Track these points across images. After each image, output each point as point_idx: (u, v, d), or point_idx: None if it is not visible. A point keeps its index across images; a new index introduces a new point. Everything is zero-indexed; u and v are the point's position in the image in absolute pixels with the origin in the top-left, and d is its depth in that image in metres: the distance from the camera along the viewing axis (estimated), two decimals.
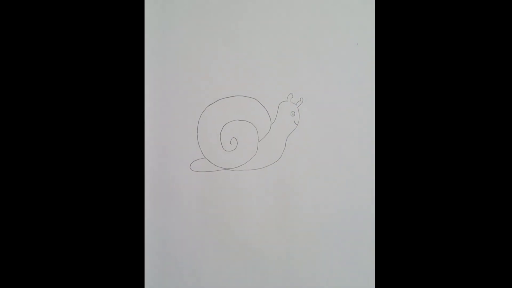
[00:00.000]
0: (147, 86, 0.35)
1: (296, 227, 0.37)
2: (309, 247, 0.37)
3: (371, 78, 0.39)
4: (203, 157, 0.36)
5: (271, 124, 0.37)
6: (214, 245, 0.37)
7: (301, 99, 0.38)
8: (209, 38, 0.36)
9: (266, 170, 0.37)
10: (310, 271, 0.37)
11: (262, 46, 0.37)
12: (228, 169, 0.37)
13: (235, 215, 0.37)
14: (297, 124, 0.37)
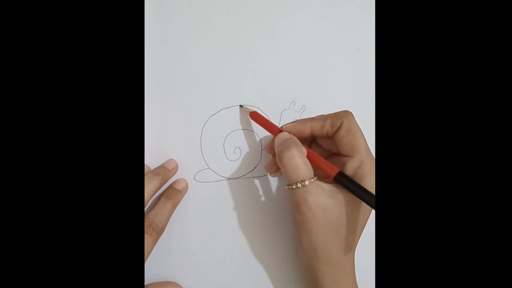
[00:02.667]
0: (148, 98, 0.35)
1: None
2: None
3: (372, 84, 0.39)
4: (207, 167, 0.36)
5: None
6: (220, 255, 0.37)
7: (304, 107, 0.38)
8: (210, 48, 0.36)
9: (271, 177, 0.37)
10: None
11: (263, 54, 0.37)
12: (232, 178, 0.37)
13: (241, 224, 0.37)
14: None
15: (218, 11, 0.37)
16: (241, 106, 0.36)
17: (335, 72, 0.38)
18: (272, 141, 0.34)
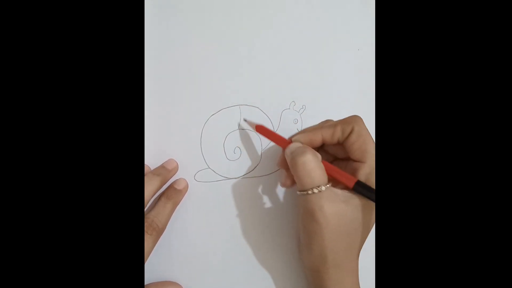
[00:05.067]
0: (148, 98, 0.35)
1: None
2: None
3: (372, 84, 0.39)
4: (207, 167, 0.36)
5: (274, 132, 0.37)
6: (220, 256, 0.37)
7: (304, 107, 0.38)
8: (210, 48, 0.36)
9: (271, 177, 0.37)
10: None
11: (263, 54, 0.37)
12: (232, 178, 0.37)
13: (241, 224, 0.37)
14: None
15: (218, 11, 0.37)
16: (245, 120, 0.36)
17: (335, 72, 0.38)
18: (284, 155, 0.33)
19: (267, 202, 0.37)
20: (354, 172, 0.31)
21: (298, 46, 0.38)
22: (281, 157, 0.34)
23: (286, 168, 0.33)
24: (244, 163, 0.37)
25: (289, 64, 0.38)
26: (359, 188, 0.30)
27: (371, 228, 0.32)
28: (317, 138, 0.32)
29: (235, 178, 0.37)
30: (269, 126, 0.37)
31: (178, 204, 0.35)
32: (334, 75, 0.38)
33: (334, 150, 0.34)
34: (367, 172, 0.31)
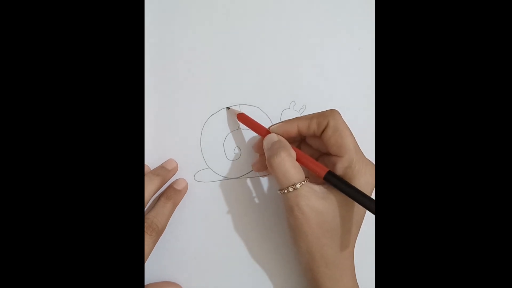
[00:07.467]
0: (148, 97, 0.35)
1: None
2: None
3: (373, 83, 0.39)
4: (207, 167, 0.36)
5: None
6: (220, 256, 0.37)
7: (304, 106, 0.38)
8: (210, 48, 0.36)
9: (271, 177, 0.37)
10: None
11: (263, 54, 0.37)
12: (232, 178, 0.37)
13: (241, 224, 0.37)
14: None
15: (218, 11, 0.37)
16: (228, 108, 0.36)
17: (335, 72, 0.38)
18: (260, 141, 0.34)
19: (267, 202, 0.37)
20: (332, 167, 0.31)
21: (298, 46, 0.38)
22: (257, 143, 0.35)
23: (260, 153, 0.34)
24: (244, 163, 0.37)
25: (289, 64, 0.38)
26: (331, 179, 0.30)
27: (359, 224, 0.32)
28: (293, 129, 0.33)
29: (235, 178, 0.37)
30: (269, 126, 0.37)
31: (177, 204, 0.35)
32: (334, 75, 0.38)
33: (318, 145, 0.34)
34: (345, 166, 0.31)
